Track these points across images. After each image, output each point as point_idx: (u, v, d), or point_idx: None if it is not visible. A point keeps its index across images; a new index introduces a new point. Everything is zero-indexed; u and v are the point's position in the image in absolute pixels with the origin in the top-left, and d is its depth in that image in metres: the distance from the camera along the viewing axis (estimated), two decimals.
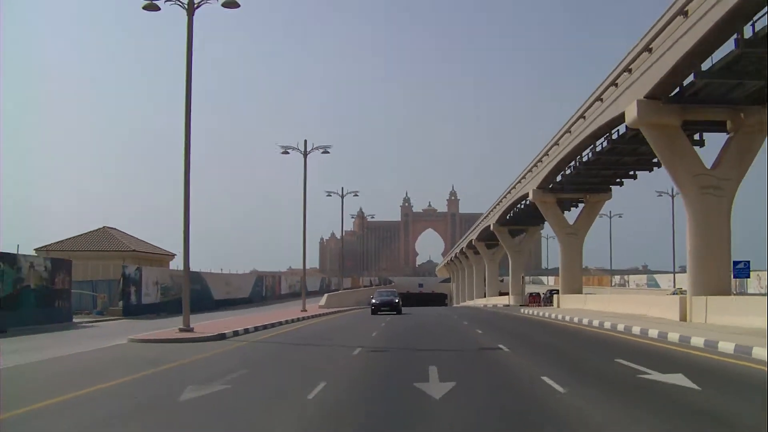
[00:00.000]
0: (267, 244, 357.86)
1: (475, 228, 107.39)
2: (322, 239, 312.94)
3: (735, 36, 22.46)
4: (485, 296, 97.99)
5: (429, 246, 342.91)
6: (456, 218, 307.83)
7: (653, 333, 22.55)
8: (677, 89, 27.20)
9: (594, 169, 46.65)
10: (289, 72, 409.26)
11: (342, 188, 64.42)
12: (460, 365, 16.32)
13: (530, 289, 76.55)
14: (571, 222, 56.15)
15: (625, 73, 30.27)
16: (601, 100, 34.17)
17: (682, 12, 24.02)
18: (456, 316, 44.09)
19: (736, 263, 28.68)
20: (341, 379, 13.62)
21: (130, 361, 17.34)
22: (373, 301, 48.35)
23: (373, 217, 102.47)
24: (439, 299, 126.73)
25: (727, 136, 28.21)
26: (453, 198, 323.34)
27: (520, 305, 64.39)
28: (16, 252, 32.05)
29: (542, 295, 61.12)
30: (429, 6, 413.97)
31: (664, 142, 27.52)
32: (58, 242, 52.86)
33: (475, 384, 12.96)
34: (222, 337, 24.01)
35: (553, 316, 39.54)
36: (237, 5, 24.89)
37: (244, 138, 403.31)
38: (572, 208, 59.18)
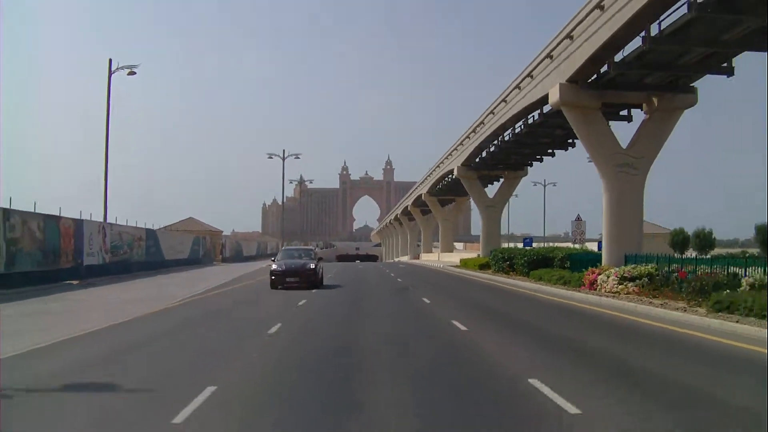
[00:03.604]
0: (213, 205, 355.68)
1: (409, 195, 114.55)
2: (264, 204, 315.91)
3: (642, 34, 25.36)
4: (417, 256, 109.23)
5: (366, 212, 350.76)
6: (391, 186, 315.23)
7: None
8: (595, 76, 29.94)
9: (513, 149, 49.30)
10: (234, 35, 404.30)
11: (283, 151, 66.40)
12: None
13: (463, 253, 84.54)
14: (491, 195, 61.47)
15: (547, 59, 32.94)
16: (531, 76, 36.04)
17: (599, 6, 26.69)
18: (387, 272, 55.06)
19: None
20: None
21: None
22: (274, 267, 31.14)
23: (311, 182, 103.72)
24: (371, 258, 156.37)
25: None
26: (389, 167, 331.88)
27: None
28: None
29: None
30: None
31: (582, 122, 30.34)
32: None
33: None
34: None
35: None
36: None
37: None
38: (495, 182, 62.90)
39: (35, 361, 11.86)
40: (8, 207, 30.88)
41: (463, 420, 7.78)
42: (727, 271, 19.56)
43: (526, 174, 59.59)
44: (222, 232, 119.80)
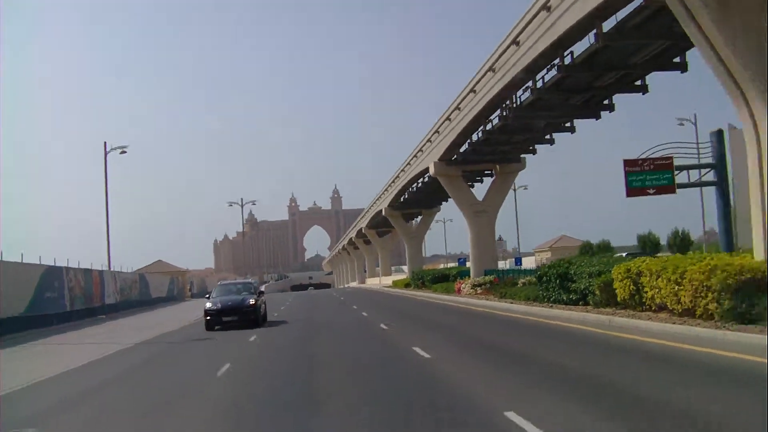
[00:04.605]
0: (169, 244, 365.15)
1: (363, 216, 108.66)
2: (215, 241, 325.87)
3: (481, 128, 40.23)
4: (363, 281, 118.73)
5: (316, 241, 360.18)
6: (340, 214, 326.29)
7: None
8: (460, 152, 45.12)
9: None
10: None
11: (241, 199, 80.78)
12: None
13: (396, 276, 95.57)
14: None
15: (432, 138, 48.12)
16: (422, 151, 51.59)
17: (473, 90, 38.31)
18: (335, 294, 64.92)
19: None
20: None
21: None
22: (208, 305, 27.90)
23: (254, 204, 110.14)
24: (324, 286, 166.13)
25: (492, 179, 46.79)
26: (336, 196, 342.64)
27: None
28: None
29: None
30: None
31: (450, 185, 45.96)
32: None
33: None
34: None
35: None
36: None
37: None
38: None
39: (128, 354, 21.29)
40: (66, 265, 44.69)
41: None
42: (514, 278, 34.64)
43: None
44: (188, 271, 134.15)
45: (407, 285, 62.48)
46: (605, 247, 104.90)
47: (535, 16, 27.17)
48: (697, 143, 29.00)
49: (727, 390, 9.77)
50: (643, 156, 24.89)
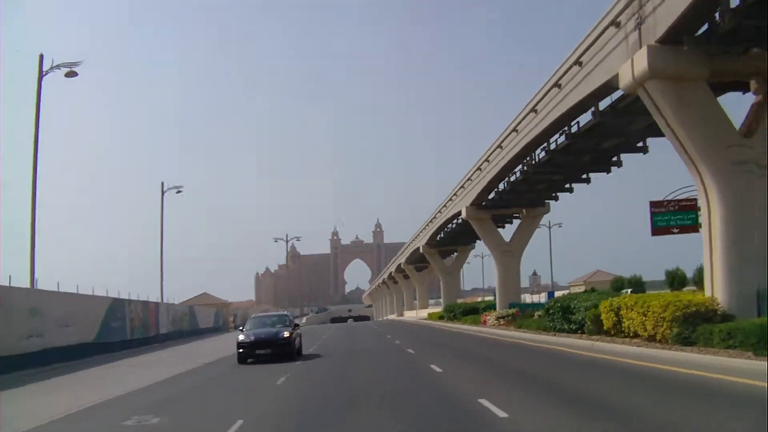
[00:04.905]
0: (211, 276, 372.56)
1: (402, 252, 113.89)
2: (257, 274, 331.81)
3: (506, 179, 44.40)
4: (401, 314, 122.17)
5: (357, 274, 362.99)
6: (381, 248, 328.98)
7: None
8: (489, 198, 49.31)
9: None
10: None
11: (286, 235, 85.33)
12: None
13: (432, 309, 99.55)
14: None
15: (465, 185, 52.52)
16: (464, 187, 54.53)
17: (500, 146, 42.58)
18: (373, 326, 69.01)
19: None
20: None
21: None
22: (241, 337, 27.42)
23: (299, 240, 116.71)
24: (363, 318, 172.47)
25: (519, 221, 51.10)
26: (378, 230, 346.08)
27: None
28: None
29: None
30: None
31: (480, 227, 50.40)
32: None
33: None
34: None
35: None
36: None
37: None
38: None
39: (201, 371, 26.55)
40: (127, 298, 49.50)
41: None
42: (533, 311, 38.34)
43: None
44: (231, 303, 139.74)
45: (441, 317, 66.15)
46: (636, 282, 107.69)
47: (549, 90, 31.16)
48: None
49: (656, 391, 13.64)
50: (669, 197, 26.79)
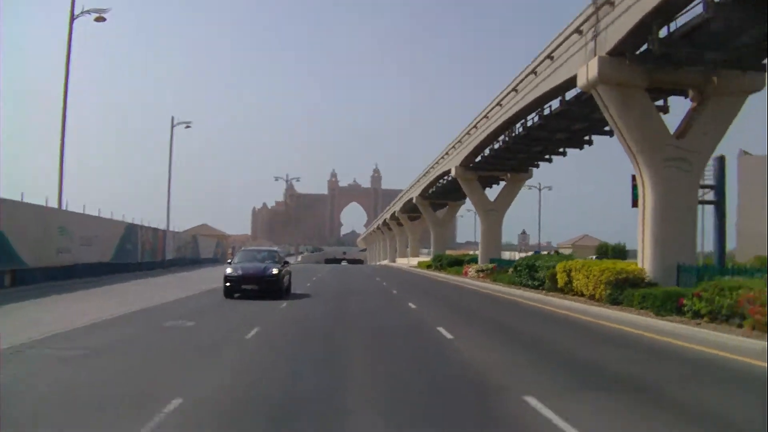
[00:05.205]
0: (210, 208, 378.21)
1: (398, 200, 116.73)
2: (254, 208, 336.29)
3: (491, 146, 48.06)
4: (393, 260, 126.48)
5: (353, 217, 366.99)
6: (378, 193, 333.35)
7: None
8: (476, 161, 52.96)
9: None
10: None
11: (287, 175, 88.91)
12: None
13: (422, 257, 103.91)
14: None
15: (456, 145, 55.99)
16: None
17: (486, 116, 47.69)
18: (366, 270, 73.70)
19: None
20: None
21: None
22: (228, 270, 27.00)
23: (298, 180, 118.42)
24: (357, 262, 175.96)
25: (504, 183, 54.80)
26: (376, 175, 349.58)
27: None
28: None
29: None
30: None
31: (467, 187, 54.87)
32: None
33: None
34: None
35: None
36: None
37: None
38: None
39: (208, 294, 33.87)
40: (139, 223, 53.61)
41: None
42: (509, 267, 42.50)
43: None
44: (230, 236, 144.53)
45: (429, 266, 70.41)
46: (620, 250, 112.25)
47: (527, 76, 35.01)
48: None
49: (564, 329, 18.04)
50: None
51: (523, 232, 67.01)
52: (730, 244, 53.10)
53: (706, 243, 55.63)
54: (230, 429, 7.76)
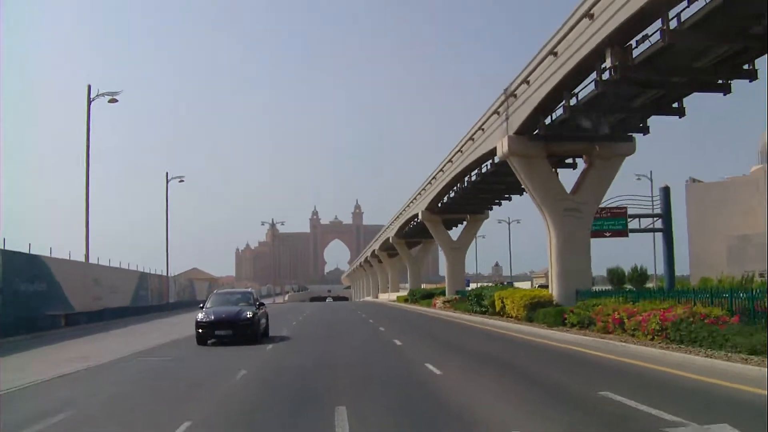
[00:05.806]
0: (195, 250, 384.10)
1: (377, 239, 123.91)
2: (237, 249, 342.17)
3: (454, 188, 56.15)
4: (376, 296, 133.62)
5: (336, 254, 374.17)
6: (360, 230, 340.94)
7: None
8: (439, 206, 60.99)
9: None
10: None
11: (272, 219, 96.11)
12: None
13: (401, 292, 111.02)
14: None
15: (425, 188, 63.80)
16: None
17: (450, 161, 56.42)
18: (350, 306, 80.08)
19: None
20: None
21: None
22: (200, 316, 25.30)
23: (283, 224, 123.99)
24: (342, 299, 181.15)
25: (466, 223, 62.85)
26: (357, 211, 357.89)
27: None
28: None
29: None
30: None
31: (433, 228, 62.71)
32: None
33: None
34: None
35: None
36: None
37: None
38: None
39: None
40: (145, 271, 61.23)
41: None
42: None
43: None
44: (219, 278, 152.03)
45: (406, 300, 78.08)
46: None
47: (466, 142, 42.41)
48: (652, 196, 40.49)
49: (486, 339, 25.81)
50: (603, 205, 36.16)
51: (497, 264, 77.13)
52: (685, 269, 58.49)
53: (658, 267, 61.19)
54: None
